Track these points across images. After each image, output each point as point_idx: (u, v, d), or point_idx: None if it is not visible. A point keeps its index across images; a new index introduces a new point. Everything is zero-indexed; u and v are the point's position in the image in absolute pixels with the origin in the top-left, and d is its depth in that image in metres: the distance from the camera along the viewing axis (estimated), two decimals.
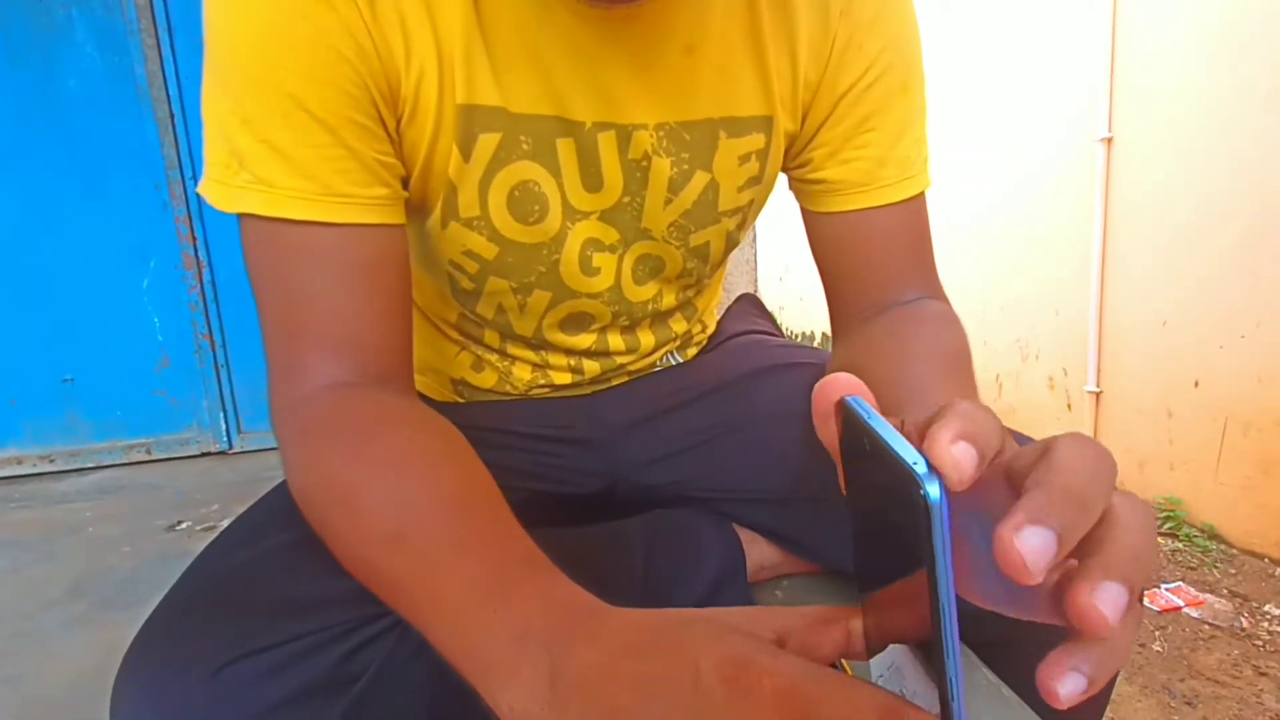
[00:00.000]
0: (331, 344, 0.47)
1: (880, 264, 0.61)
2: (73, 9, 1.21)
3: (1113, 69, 2.34)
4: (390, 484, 0.42)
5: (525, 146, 0.53)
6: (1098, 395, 2.53)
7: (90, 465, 1.33)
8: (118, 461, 1.33)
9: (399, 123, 0.50)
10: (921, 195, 0.62)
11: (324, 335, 0.47)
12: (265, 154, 0.46)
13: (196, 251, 1.29)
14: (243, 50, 0.45)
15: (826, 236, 0.62)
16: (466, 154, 0.52)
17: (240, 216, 0.48)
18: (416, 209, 0.56)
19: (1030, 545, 0.21)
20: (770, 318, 0.90)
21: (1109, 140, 2.39)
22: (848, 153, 0.59)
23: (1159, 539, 2.18)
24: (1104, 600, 0.22)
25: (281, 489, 0.53)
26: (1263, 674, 1.58)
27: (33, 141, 1.21)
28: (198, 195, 1.25)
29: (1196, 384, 2.17)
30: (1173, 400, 2.24)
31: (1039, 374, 2.84)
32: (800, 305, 4.58)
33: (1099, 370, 2.52)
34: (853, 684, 0.25)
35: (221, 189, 0.47)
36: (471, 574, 0.36)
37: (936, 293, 0.63)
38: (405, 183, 0.53)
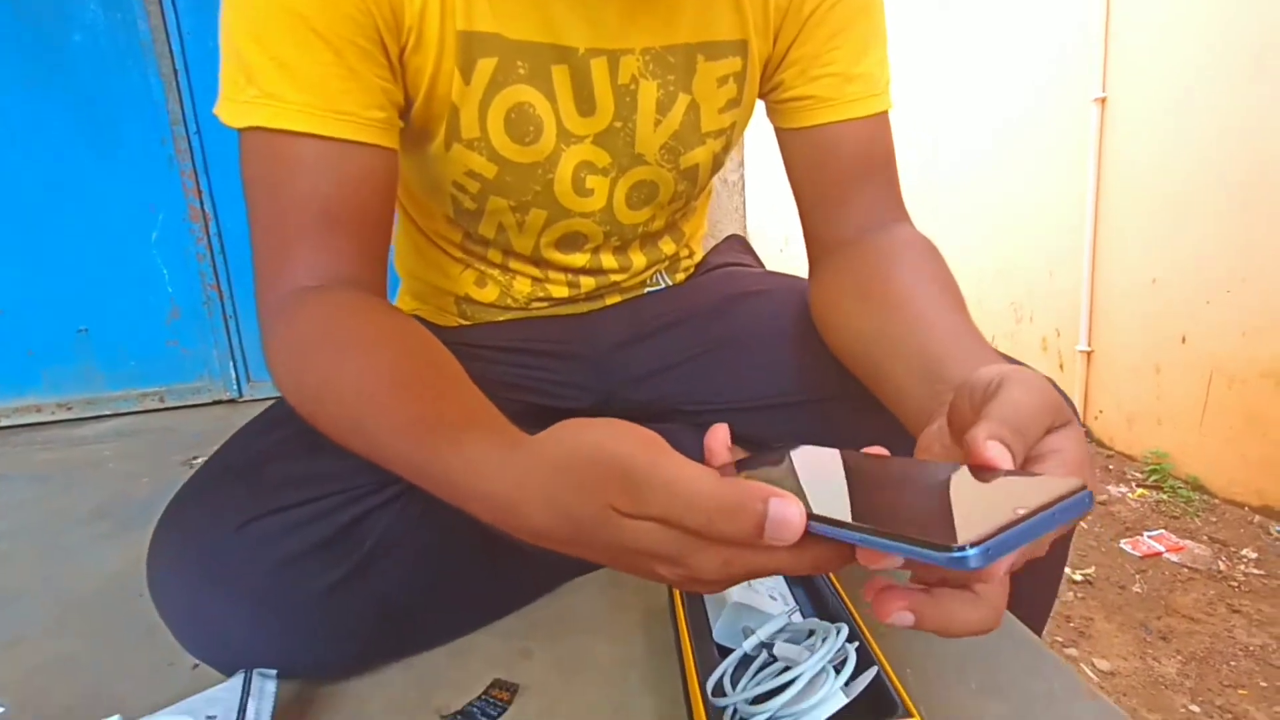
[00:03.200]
0: (313, 247, 0.52)
1: (850, 178, 0.65)
2: None
3: (1107, 30, 2.35)
4: (345, 372, 0.46)
5: (522, 71, 0.58)
6: (1089, 354, 2.58)
7: (107, 413, 1.38)
8: (133, 409, 1.38)
9: (403, 51, 0.55)
10: (885, 115, 0.66)
11: (307, 239, 0.52)
12: (273, 70, 0.50)
13: (202, 204, 1.33)
14: None
15: (799, 154, 0.67)
16: (467, 77, 0.57)
17: (243, 131, 0.52)
18: (420, 135, 0.60)
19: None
20: (756, 256, 0.95)
21: (1103, 100, 2.41)
22: (815, 70, 0.64)
23: (1145, 490, 2.23)
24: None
25: (280, 400, 0.57)
26: (1236, 611, 1.64)
27: (39, 97, 1.25)
28: (203, 149, 1.28)
29: (1184, 340, 2.21)
30: (1161, 357, 2.28)
31: (1033, 335, 2.88)
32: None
33: (1090, 330, 2.56)
34: (688, 484, 0.29)
35: (231, 106, 0.51)
36: (408, 453, 0.41)
37: (902, 214, 0.67)
38: (406, 113, 0.57)
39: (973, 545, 0.23)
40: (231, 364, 1.41)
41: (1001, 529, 0.23)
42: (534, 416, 0.71)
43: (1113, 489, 2.28)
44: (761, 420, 0.71)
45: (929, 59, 3.34)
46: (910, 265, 0.58)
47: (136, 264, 1.34)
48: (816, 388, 0.64)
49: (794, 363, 0.68)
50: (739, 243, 0.96)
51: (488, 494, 0.37)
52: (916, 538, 0.24)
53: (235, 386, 1.42)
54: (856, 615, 0.44)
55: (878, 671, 0.40)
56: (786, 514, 0.27)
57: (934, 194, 3.40)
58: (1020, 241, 2.87)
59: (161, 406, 1.39)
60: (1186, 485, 2.21)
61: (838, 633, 0.41)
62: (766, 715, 0.37)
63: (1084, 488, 0.26)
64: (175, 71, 1.28)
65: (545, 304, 0.75)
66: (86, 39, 1.24)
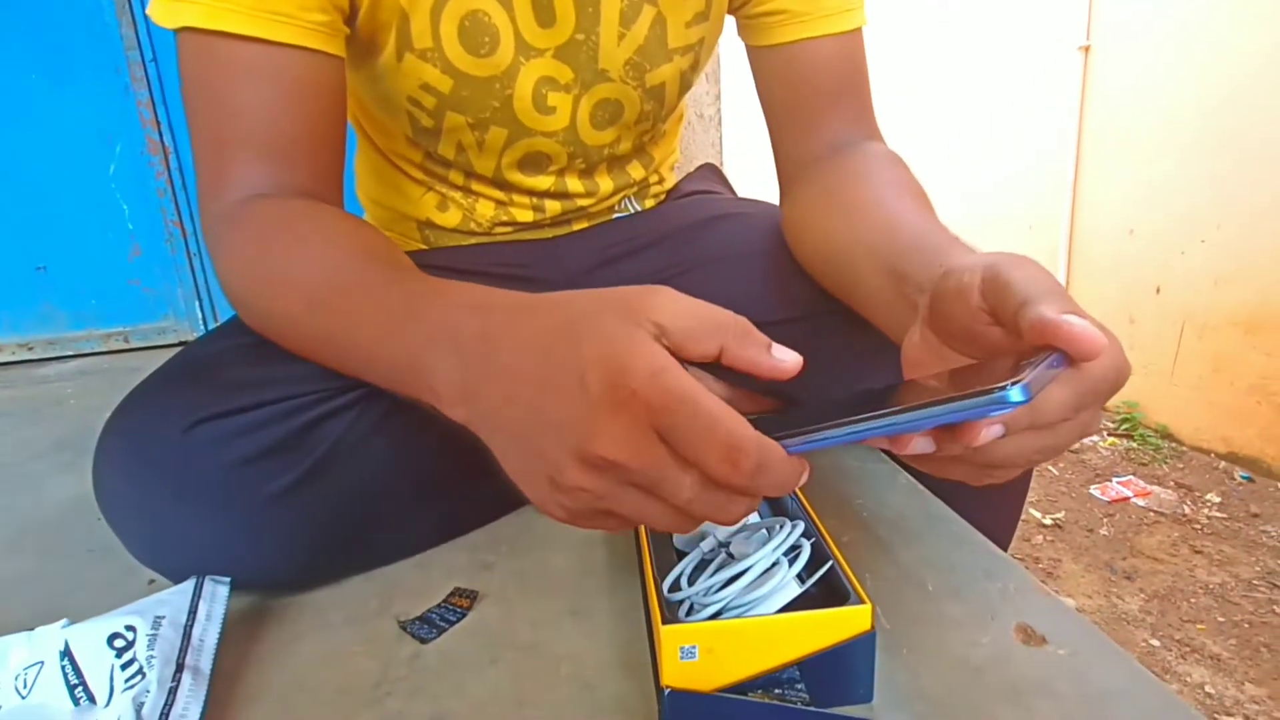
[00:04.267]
0: (259, 156, 0.50)
1: (822, 95, 0.63)
2: None
3: None
4: (303, 258, 0.46)
5: None
6: None
7: (70, 353, 1.35)
8: (96, 350, 1.35)
9: None
10: (859, 32, 0.64)
11: (253, 148, 0.50)
12: None
13: (161, 136, 1.29)
14: None
15: (770, 71, 0.65)
16: None
17: (178, 33, 0.49)
18: (369, 45, 0.57)
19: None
20: (729, 185, 0.93)
21: (1087, 49, 2.39)
22: None
23: (1115, 439, 2.27)
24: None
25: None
26: (1198, 552, 1.68)
27: None
28: (160, 78, 1.23)
29: (1158, 290, 2.23)
30: (1135, 307, 2.31)
31: None
32: None
33: (1068, 283, 2.58)
34: (714, 415, 0.27)
35: (164, 4, 0.49)
36: (386, 299, 0.40)
37: (874, 133, 0.66)
38: (351, 21, 0.54)
39: (1014, 384, 0.24)
40: (197, 303, 1.38)
41: (1031, 367, 0.25)
42: None
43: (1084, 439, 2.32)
44: None
45: (912, 8, 3.28)
46: (878, 174, 0.57)
47: (94, 199, 1.29)
48: (792, 307, 0.64)
49: (769, 283, 0.67)
50: (712, 171, 0.94)
51: (442, 311, 0.36)
52: (962, 393, 0.25)
53: (201, 326, 1.39)
54: (814, 516, 0.44)
55: (832, 564, 0.39)
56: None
57: (914, 145, 3.36)
58: (1001, 195, 2.87)
59: (126, 347, 1.36)
60: (1156, 433, 2.25)
61: (793, 527, 0.41)
62: (721, 604, 0.37)
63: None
64: None
65: (509, 229, 0.73)
66: None
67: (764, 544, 0.40)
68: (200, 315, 1.39)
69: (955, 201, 3.14)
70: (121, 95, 1.25)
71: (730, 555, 0.43)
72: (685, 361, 0.31)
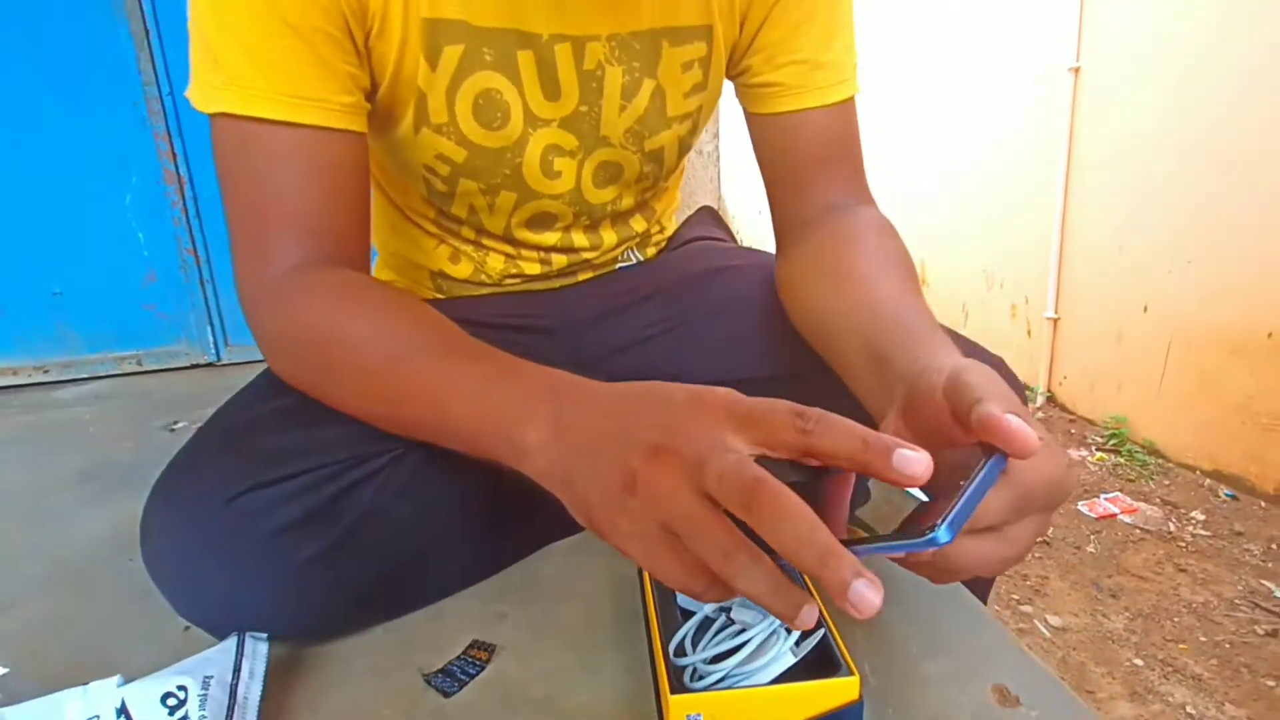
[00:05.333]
0: (296, 231, 0.53)
1: (816, 162, 0.67)
2: None
3: (1081, 3, 2.36)
4: (377, 319, 0.50)
5: (488, 57, 0.59)
6: (1055, 321, 2.64)
7: (85, 376, 1.38)
8: (110, 373, 1.39)
9: (368, 36, 0.55)
10: (852, 100, 0.67)
11: (290, 223, 0.53)
12: (242, 57, 0.51)
13: (177, 167, 1.32)
14: None
15: (768, 138, 0.69)
16: (433, 64, 0.58)
17: (213, 117, 0.53)
18: (388, 117, 0.61)
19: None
20: (727, 228, 0.97)
21: (1077, 70, 2.42)
22: (783, 57, 0.65)
23: (1104, 454, 2.32)
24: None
25: (268, 372, 0.60)
26: (1182, 570, 1.73)
27: (11, 57, 1.23)
28: (176, 111, 1.27)
29: (1146, 308, 2.27)
30: (1124, 325, 2.35)
31: (1003, 302, 2.94)
32: None
33: (1058, 297, 2.62)
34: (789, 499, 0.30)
35: (201, 90, 0.52)
36: (476, 369, 0.45)
37: (866, 197, 0.70)
38: (371, 95, 0.58)
39: (943, 522, 0.29)
40: (209, 327, 1.42)
41: (955, 503, 0.29)
42: None
43: (1074, 453, 2.37)
44: None
45: (903, 28, 3.32)
46: (868, 245, 0.60)
47: (111, 227, 1.33)
48: (785, 364, 0.67)
49: (763, 339, 0.70)
50: (710, 215, 0.98)
51: (541, 379, 0.42)
52: (897, 534, 0.31)
53: (213, 350, 1.43)
54: (810, 584, 0.48)
55: (824, 633, 0.43)
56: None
57: (908, 162, 3.41)
58: (993, 210, 2.91)
59: (139, 370, 1.40)
60: (1143, 449, 2.30)
61: None
62: (721, 673, 0.41)
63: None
64: (146, 31, 1.25)
65: (518, 280, 0.77)
66: None
67: (764, 614, 0.44)
68: (212, 339, 1.42)
69: (946, 216, 3.18)
70: (139, 128, 1.28)
71: (731, 619, 0.47)
72: None
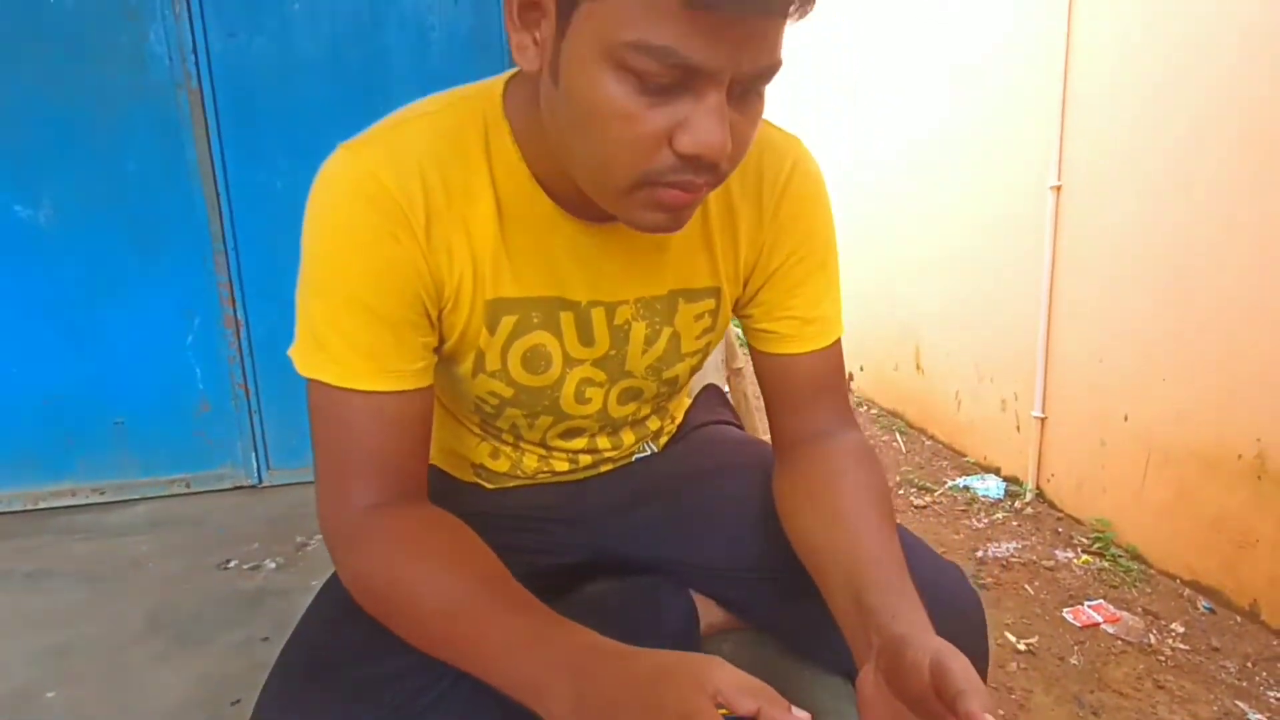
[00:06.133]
0: (370, 474, 0.65)
1: (807, 394, 0.80)
2: (134, 103, 1.37)
3: (1063, 125, 2.54)
4: (431, 576, 0.61)
5: (536, 320, 0.71)
6: (1042, 420, 2.76)
7: (135, 498, 1.50)
8: (160, 494, 1.51)
9: (441, 312, 0.68)
10: (837, 342, 0.80)
11: (367, 469, 0.65)
12: (341, 341, 0.63)
13: (235, 312, 1.47)
14: (330, 268, 0.63)
15: (767, 370, 0.81)
16: (492, 330, 0.70)
17: (310, 379, 0.65)
18: (449, 361, 0.73)
19: None
20: (730, 408, 1.10)
21: (1058, 188, 2.59)
22: (779, 312, 0.78)
23: (1089, 557, 2.40)
24: None
25: (336, 581, 0.71)
26: (1161, 687, 1.81)
27: (98, 217, 1.39)
28: (239, 265, 1.41)
29: (1126, 418, 2.39)
30: (1106, 431, 2.47)
31: (994, 395, 3.06)
32: None
33: (1045, 397, 2.74)
34: None
35: (304, 358, 0.64)
36: (513, 628, 0.55)
37: (850, 420, 0.82)
38: (438, 348, 0.70)
39: None
40: (254, 453, 1.54)
41: None
42: (542, 574, 0.86)
43: (1060, 553, 2.46)
44: (731, 585, 0.85)
45: (906, 143, 3.52)
46: (851, 481, 0.72)
47: (172, 363, 1.47)
48: (779, 567, 0.79)
49: (756, 539, 0.82)
50: (715, 395, 1.10)
51: (567, 650, 0.52)
52: None
53: (255, 474, 1.55)
54: None
55: None
56: None
57: (912, 260, 3.58)
58: (983, 306, 3.06)
59: (187, 491, 1.52)
60: (1126, 554, 2.39)
61: None
62: None
63: None
64: (217, 195, 1.41)
65: (549, 475, 0.89)
66: (139, 165, 1.38)
67: None
68: (255, 464, 1.55)
69: (938, 306, 3.33)
70: (205, 279, 1.44)
71: None
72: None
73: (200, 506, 1.46)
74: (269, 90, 1.41)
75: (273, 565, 1.18)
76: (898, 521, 0.70)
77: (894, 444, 3.55)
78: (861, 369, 4.22)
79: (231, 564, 1.20)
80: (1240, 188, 1.96)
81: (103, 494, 1.48)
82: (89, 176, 1.38)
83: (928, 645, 0.50)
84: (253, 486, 1.55)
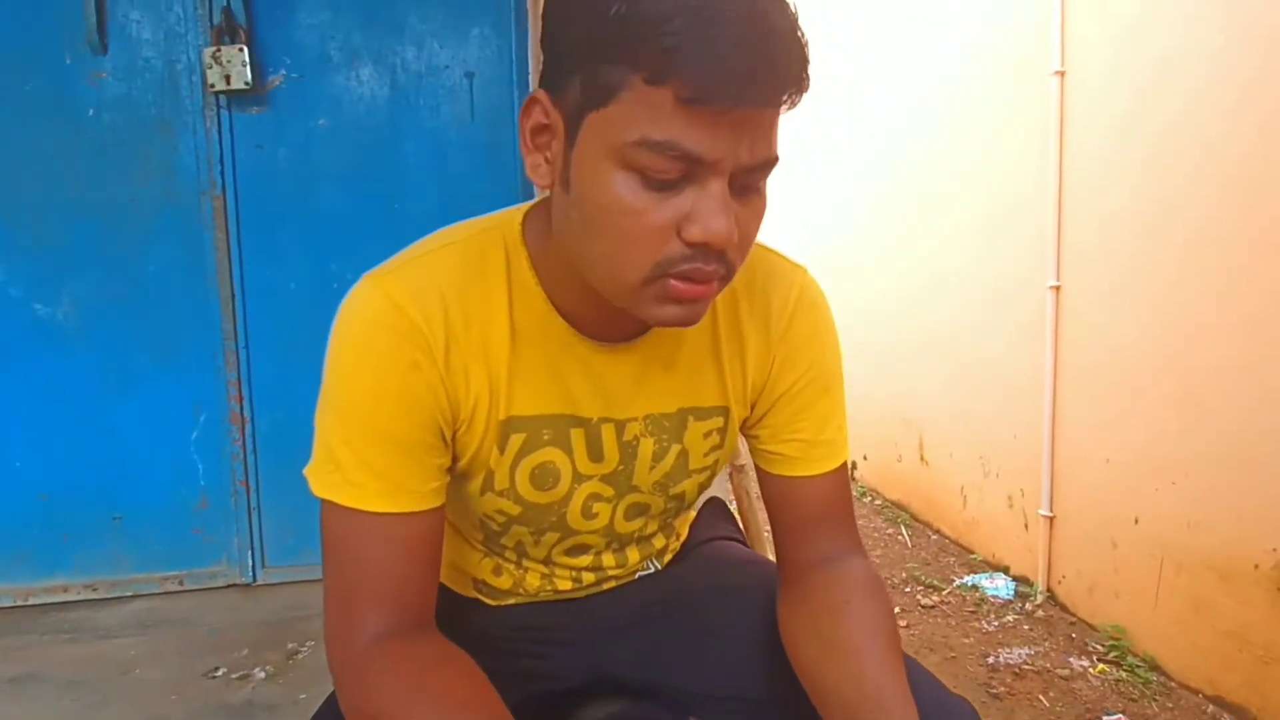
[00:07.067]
0: (382, 601, 0.64)
1: (813, 518, 0.79)
2: (160, 208, 1.43)
3: (1060, 224, 2.60)
4: (431, 712, 0.58)
5: (546, 436, 0.72)
6: (1051, 519, 2.71)
7: (128, 594, 1.48)
8: (153, 591, 1.48)
9: (456, 433, 0.69)
10: (843, 465, 0.80)
11: (378, 595, 0.64)
12: (357, 464, 0.63)
13: (242, 409, 1.48)
14: (352, 394, 0.63)
15: (774, 493, 0.81)
16: (502, 449, 0.70)
17: (325, 501, 0.65)
18: (460, 477, 0.73)
19: None
20: (734, 522, 1.09)
21: (1057, 288, 2.62)
22: (786, 435, 0.78)
23: (1105, 666, 2.32)
24: None
25: (333, 703, 0.69)
26: None
27: (116, 315, 1.43)
28: (249, 362, 1.43)
29: (1136, 521, 2.34)
30: (1116, 533, 2.41)
31: (999, 492, 3.02)
32: None
33: (1052, 496, 2.70)
34: None
35: (320, 479, 0.65)
36: None
37: (856, 545, 0.81)
38: (450, 468, 0.71)
39: None
40: (250, 551, 1.52)
41: None
42: (537, 701, 0.83)
43: (1075, 661, 2.37)
44: (728, 711, 0.82)
45: (910, 254, 3.60)
46: (857, 612, 0.70)
47: (175, 459, 1.47)
48: (782, 695, 0.76)
49: (758, 665, 0.79)
50: (719, 509, 1.09)
51: None
52: None
53: (250, 573, 1.53)
54: None
55: None
56: None
57: (917, 353, 3.60)
58: (985, 400, 3.05)
59: (180, 589, 1.49)
60: (1144, 664, 2.30)
61: None
62: None
63: None
64: (233, 295, 1.45)
65: (551, 593, 0.88)
66: (160, 269, 1.43)
67: None
68: (250, 562, 1.53)
69: (944, 395, 3.32)
70: (214, 375, 1.46)
71: None
72: None
73: (192, 605, 1.43)
74: (290, 197, 1.46)
75: (262, 675, 1.15)
76: (906, 654, 0.69)
77: (899, 538, 3.49)
78: (865, 458, 4.19)
79: (220, 672, 1.17)
80: (1244, 285, 1.96)
81: (95, 590, 1.46)
82: (110, 276, 1.42)
83: None
84: (247, 585, 1.52)
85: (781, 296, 0.75)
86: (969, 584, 2.92)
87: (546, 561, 0.85)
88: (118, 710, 1.07)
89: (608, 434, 0.74)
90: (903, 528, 3.56)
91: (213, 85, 1.39)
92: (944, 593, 2.90)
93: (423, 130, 1.49)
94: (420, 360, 0.62)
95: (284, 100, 1.43)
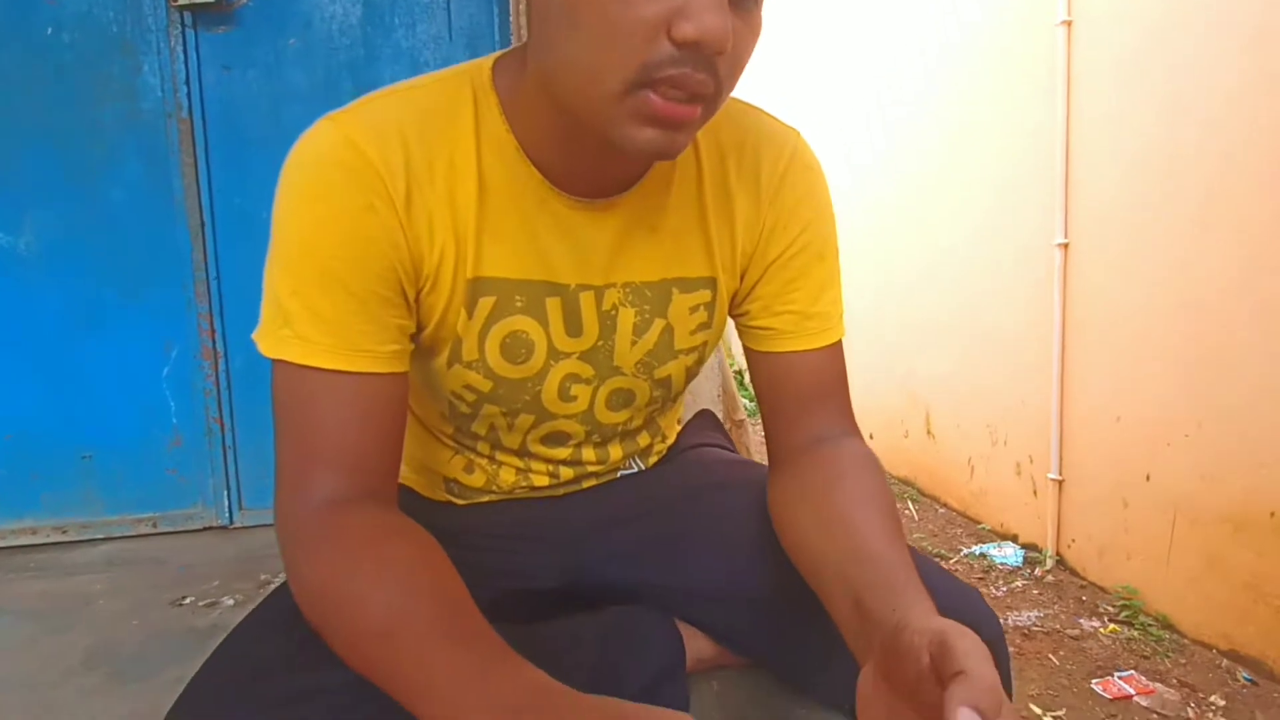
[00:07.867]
0: (335, 465, 0.59)
1: (806, 397, 0.73)
2: (124, 133, 1.37)
3: (1067, 179, 2.54)
4: (379, 589, 0.53)
5: (519, 303, 0.66)
6: (1060, 483, 2.65)
7: (100, 537, 1.42)
8: (126, 534, 1.43)
9: (419, 293, 0.63)
10: (839, 343, 0.75)
11: (331, 458, 0.59)
12: (307, 316, 0.58)
13: (214, 344, 1.42)
14: (302, 239, 0.58)
15: (764, 372, 0.75)
16: (470, 313, 0.65)
17: (275, 361, 0.60)
18: (426, 352, 0.68)
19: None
20: (724, 433, 1.03)
21: (1065, 246, 2.56)
22: (778, 306, 0.72)
23: (1116, 626, 2.26)
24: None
25: (286, 589, 0.63)
26: None
27: (79, 246, 1.37)
28: (220, 294, 1.38)
29: (1148, 478, 2.29)
30: (1127, 492, 2.36)
31: (1008, 459, 2.96)
32: None
33: (1061, 459, 2.64)
34: None
35: (268, 339, 0.59)
36: (455, 662, 0.48)
37: (852, 427, 0.75)
38: (415, 336, 0.65)
39: None
40: (225, 492, 1.47)
41: None
42: (513, 599, 0.78)
43: (1085, 623, 2.31)
44: (722, 612, 0.77)
45: (919, 214, 3.54)
46: (852, 485, 0.65)
47: (146, 396, 1.41)
48: (775, 590, 0.71)
49: (752, 560, 0.74)
50: (709, 420, 1.04)
51: (512, 690, 0.45)
52: None
53: (226, 514, 1.47)
54: None
55: None
56: None
57: (922, 323, 3.54)
58: (993, 368, 2.99)
59: (154, 532, 1.44)
60: (1156, 623, 2.24)
61: None
62: None
63: None
64: (202, 225, 1.39)
65: (526, 490, 0.82)
66: (125, 195, 1.37)
67: None
68: (227, 504, 1.47)
69: (951, 363, 3.26)
70: (184, 309, 1.40)
71: None
72: None
73: (165, 546, 1.38)
74: (260, 120, 1.41)
75: (230, 602, 1.10)
76: (911, 546, 0.62)
77: (906, 512, 3.42)
78: (871, 436, 4.13)
79: (187, 601, 1.12)
80: (1260, 232, 1.91)
81: (65, 533, 1.41)
82: (73, 205, 1.36)
83: (928, 626, 0.42)
84: (223, 527, 1.47)
85: (773, 158, 0.70)
86: (977, 553, 2.87)
87: (521, 453, 0.79)
88: (76, 635, 1.02)
89: (586, 304, 0.69)
90: (910, 503, 3.50)
91: (177, 1, 1.33)
92: (951, 562, 2.84)
93: (398, 50, 1.43)
94: (376, 204, 0.58)
95: (252, 18, 1.37)
